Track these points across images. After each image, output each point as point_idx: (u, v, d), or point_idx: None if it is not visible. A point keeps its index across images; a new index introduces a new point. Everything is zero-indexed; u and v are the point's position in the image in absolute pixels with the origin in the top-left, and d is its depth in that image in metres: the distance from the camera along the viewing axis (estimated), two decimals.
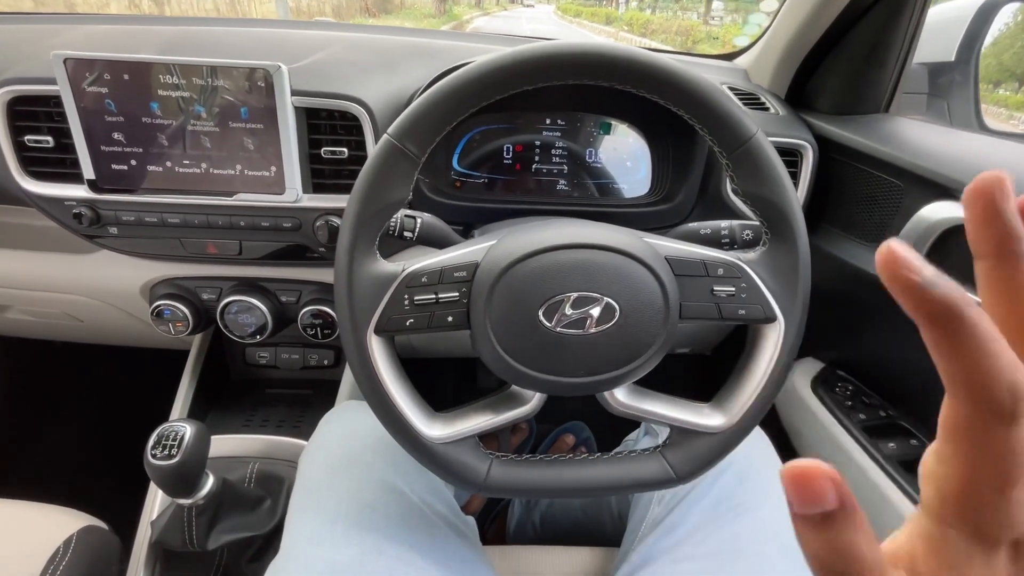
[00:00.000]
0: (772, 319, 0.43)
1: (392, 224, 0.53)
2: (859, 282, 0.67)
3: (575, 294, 0.40)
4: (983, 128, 0.80)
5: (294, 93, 0.62)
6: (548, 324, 0.40)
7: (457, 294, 0.41)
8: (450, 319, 0.42)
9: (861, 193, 0.67)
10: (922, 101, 0.81)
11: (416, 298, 0.41)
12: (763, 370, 0.44)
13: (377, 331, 0.41)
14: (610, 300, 0.40)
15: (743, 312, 0.43)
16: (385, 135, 0.40)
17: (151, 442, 0.56)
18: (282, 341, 0.88)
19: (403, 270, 0.41)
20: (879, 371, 0.68)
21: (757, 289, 0.43)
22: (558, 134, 0.73)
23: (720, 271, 0.43)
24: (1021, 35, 1.23)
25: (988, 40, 0.78)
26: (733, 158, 0.41)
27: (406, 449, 0.44)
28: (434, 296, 0.41)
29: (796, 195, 0.43)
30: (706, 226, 0.58)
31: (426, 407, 0.45)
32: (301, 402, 0.88)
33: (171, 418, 0.78)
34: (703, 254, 0.43)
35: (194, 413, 0.81)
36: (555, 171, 0.74)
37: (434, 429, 0.44)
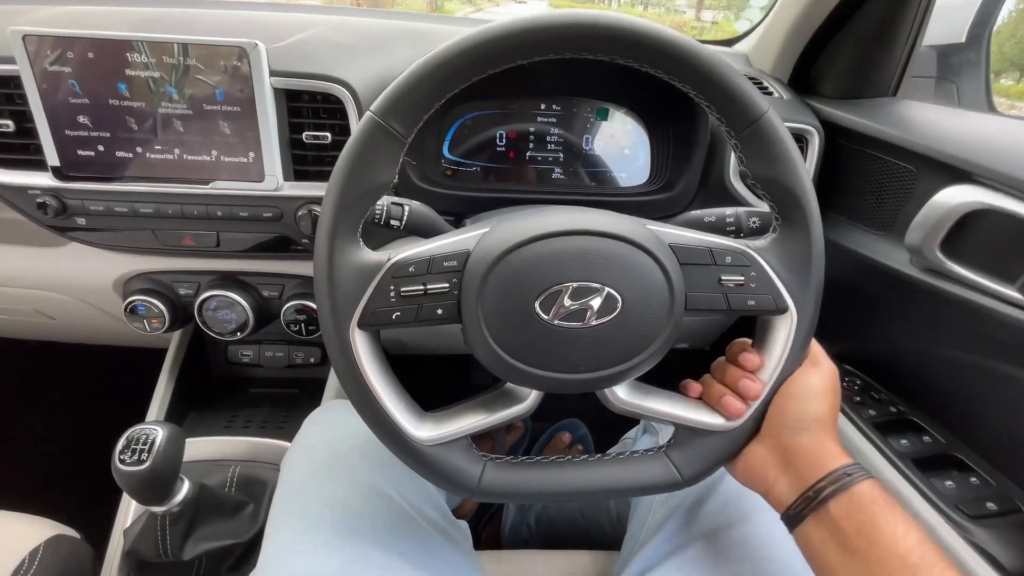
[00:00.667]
0: (784, 310, 0.41)
1: (378, 212, 0.50)
2: (867, 273, 0.64)
3: (574, 284, 0.37)
4: (993, 111, 0.77)
5: (273, 74, 0.58)
6: (545, 316, 0.37)
7: (447, 285, 0.38)
8: (440, 312, 0.39)
9: (870, 179, 0.65)
10: (930, 85, 0.78)
11: (403, 289, 0.38)
12: (774, 364, 0.42)
13: (361, 325, 0.38)
14: (612, 291, 0.37)
15: (752, 303, 0.41)
16: (368, 112, 0.37)
17: (119, 446, 0.52)
18: (266, 338, 0.84)
19: (388, 259, 0.38)
20: (889, 365, 0.66)
21: (767, 278, 0.40)
22: (553, 121, 0.71)
23: (728, 259, 0.40)
24: (1023, 24, 1.21)
25: (997, 22, 0.76)
26: (742, 138, 0.39)
27: (393, 452, 0.42)
28: (422, 287, 0.38)
29: (809, 177, 0.40)
30: (710, 214, 0.55)
31: (414, 406, 0.42)
32: (286, 402, 0.84)
33: (147, 420, 0.74)
34: (710, 241, 0.41)
35: (172, 414, 0.78)
36: (550, 159, 0.72)
37: (423, 430, 0.41)
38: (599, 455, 0.45)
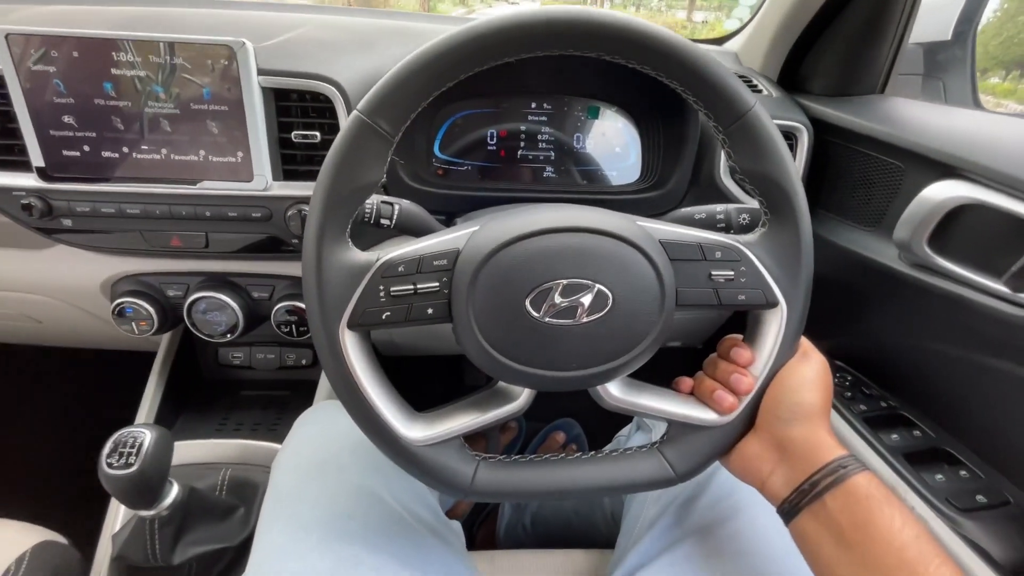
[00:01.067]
0: (774, 304, 0.41)
1: (367, 211, 0.50)
2: (857, 269, 0.65)
3: (564, 281, 0.37)
4: (979, 107, 0.78)
5: (261, 72, 0.58)
6: (536, 314, 0.37)
7: (437, 284, 0.38)
8: (430, 311, 0.39)
9: (858, 176, 0.65)
10: (917, 82, 0.79)
11: (392, 289, 0.38)
12: (765, 358, 0.42)
13: (350, 325, 0.38)
14: (602, 287, 0.37)
15: (743, 297, 0.41)
16: (355, 111, 0.37)
17: (106, 450, 0.51)
18: (257, 340, 0.84)
19: (378, 259, 0.38)
20: (879, 361, 0.66)
21: (757, 272, 0.40)
22: (544, 119, 0.70)
23: (718, 254, 0.40)
24: (1008, 24, 1.22)
25: (982, 21, 0.77)
26: (730, 132, 0.39)
27: (385, 452, 0.41)
28: (412, 287, 0.38)
29: (797, 171, 0.41)
30: (700, 210, 0.55)
31: (406, 407, 0.42)
32: (277, 404, 0.83)
33: (136, 423, 0.73)
34: (700, 237, 0.41)
35: (162, 418, 0.77)
36: (541, 158, 0.71)
37: (415, 430, 0.41)
38: (593, 453, 0.45)
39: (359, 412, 0.40)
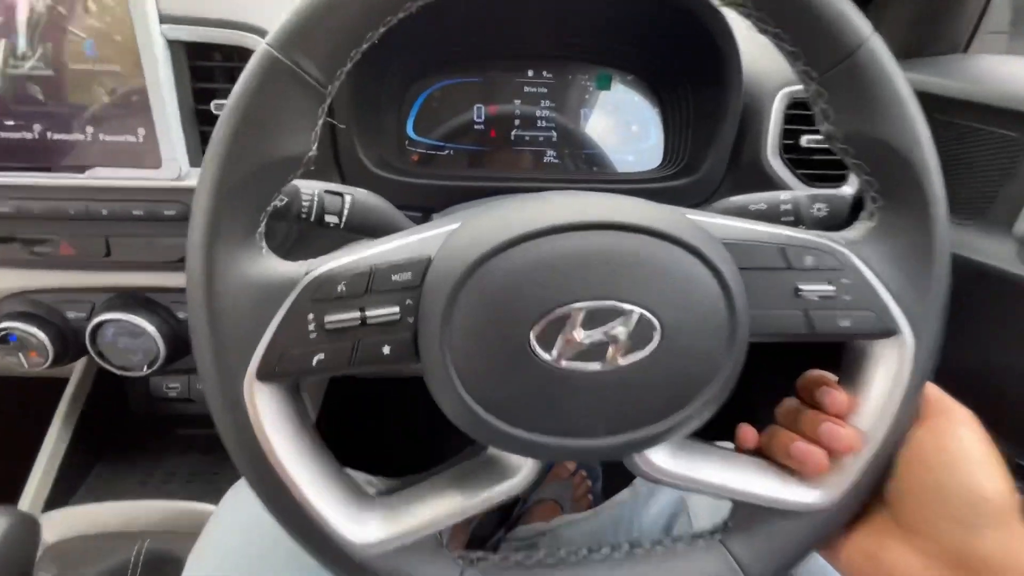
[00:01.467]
0: (892, 331, 0.30)
1: (305, 203, 0.37)
2: (952, 273, 0.52)
3: (589, 304, 0.26)
4: None
5: (165, 20, 0.45)
6: (546, 356, 0.26)
7: (397, 310, 0.27)
8: (387, 351, 0.27)
9: (949, 154, 0.52)
10: (1000, 42, 0.66)
11: (328, 319, 0.27)
12: (877, 411, 0.30)
13: (263, 376, 0.27)
14: (645, 312, 0.26)
15: (847, 323, 0.29)
16: (263, 44, 0.25)
17: None
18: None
19: (306, 272, 0.27)
20: (988, 395, 0.53)
21: (867, 286, 0.29)
22: (544, 91, 0.61)
23: (808, 260, 0.29)
24: None
25: None
26: (828, 80, 0.28)
27: (322, 564, 0.30)
28: (359, 315, 0.27)
29: (929, 136, 0.28)
30: (758, 199, 0.43)
31: (353, 491, 0.30)
32: (221, 446, 0.69)
33: (31, 478, 0.58)
34: (780, 235, 0.30)
35: (68, 470, 0.62)
36: (541, 139, 0.61)
37: (367, 528, 0.29)
38: (629, 547, 0.32)
39: (279, 506, 0.28)
